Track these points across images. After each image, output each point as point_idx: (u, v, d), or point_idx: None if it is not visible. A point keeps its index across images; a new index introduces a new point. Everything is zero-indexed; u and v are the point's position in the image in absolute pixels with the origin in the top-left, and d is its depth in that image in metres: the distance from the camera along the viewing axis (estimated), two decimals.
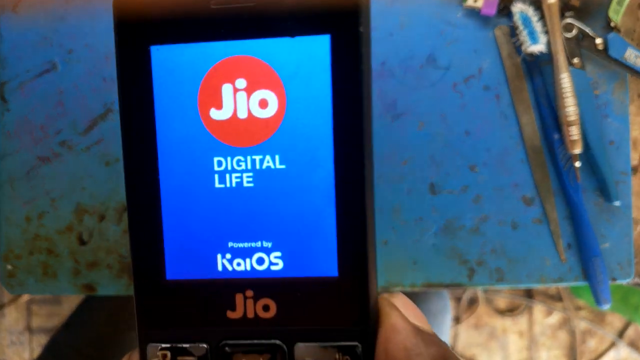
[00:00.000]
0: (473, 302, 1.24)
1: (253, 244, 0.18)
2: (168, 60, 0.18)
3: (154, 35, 0.18)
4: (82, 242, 0.44)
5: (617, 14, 0.43)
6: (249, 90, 0.17)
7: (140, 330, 0.18)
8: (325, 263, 0.17)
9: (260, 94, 0.17)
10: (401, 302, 0.17)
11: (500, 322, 1.25)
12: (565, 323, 1.25)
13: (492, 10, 0.42)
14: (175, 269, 0.18)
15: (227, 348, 0.18)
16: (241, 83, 0.17)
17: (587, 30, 0.42)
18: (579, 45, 0.43)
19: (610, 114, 0.44)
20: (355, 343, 0.17)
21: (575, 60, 0.42)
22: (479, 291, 1.23)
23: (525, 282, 0.44)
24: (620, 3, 0.42)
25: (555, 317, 1.25)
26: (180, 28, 0.18)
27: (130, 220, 0.18)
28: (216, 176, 0.18)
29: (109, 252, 0.44)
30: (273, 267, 0.18)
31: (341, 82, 0.17)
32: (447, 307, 0.74)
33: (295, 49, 0.17)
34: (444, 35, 0.44)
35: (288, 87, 0.17)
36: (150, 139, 0.18)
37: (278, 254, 0.18)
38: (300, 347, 0.17)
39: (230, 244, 0.18)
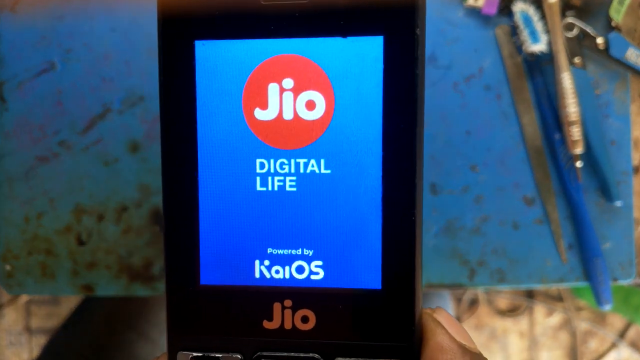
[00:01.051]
0: (474, 303, 1.24)
1: (293, 252, 0.17)
2: (213, 56, 0.17)
3: (199, 30, 0.17)
4: (81, 243, 0.44)
5: (618, 14, 0.43)
6: (296, 91, 0.17)
7: (171, 336, 0.18)
8: (368, 275, 0.16)
9: (308, 94, 0.17)
10: (444, 319, 0.17)
11: (501, 323, 1.25)
12: (566, 324, 1.25)
13: (492, 10, 0.42)
14: (210, 274, 0.17)
15: None
16: (288, 83, 0.17)
17: (588, 29, 0.42)
18: (580, 44, 0.43)
19: (611, 114, 0.44)
20: (403, 353, 0.16)
21: (577, 60, 0.42)
22: (480, 292, 1.23)
23: (526, 282, 0.44)
24: (621, 2, 0.42)
25: (556, 318, 1.25)
26: (227, 23, 0.17)
27: (166, 220, 0.17)
28: (258, 179, 0.17)
29: (107, 253, 0.43)
30: (313, 277, 0.17)
31: (393, 86, 0.16)
32: (447, 308, 0.74)
33: (347, 50, 0.16)
34: (445, 35, 0.43)
35: (337, 89, 0.16)
36: (191, 138, 0.17)
37: (319, 262, 0.17)
38: None
39: (269, 250, 0.17)
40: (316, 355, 0.16)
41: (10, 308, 1.24)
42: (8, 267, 0.44)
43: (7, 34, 0.43)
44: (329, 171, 0.17)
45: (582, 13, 0.44)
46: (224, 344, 0.17)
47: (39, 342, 1.24)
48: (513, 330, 1.25)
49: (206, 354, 0.17)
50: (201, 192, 0.17)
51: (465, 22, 0.43)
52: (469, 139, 0.44)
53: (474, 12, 0.43)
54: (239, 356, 0.17)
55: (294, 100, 0.17)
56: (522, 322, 1.25)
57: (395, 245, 0.16)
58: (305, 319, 0.17)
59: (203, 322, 0.17)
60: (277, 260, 0.17)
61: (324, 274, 0.17)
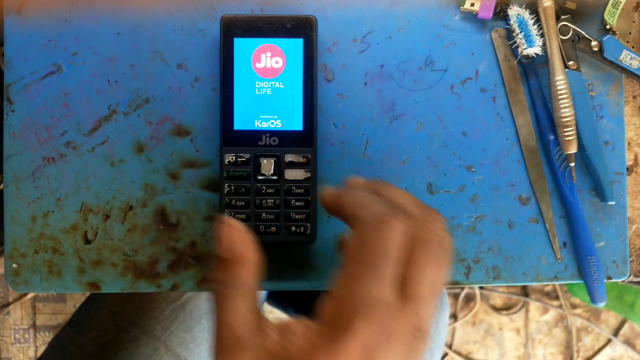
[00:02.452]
0: (470, 300, 1.25)
1: (269, 116, 0.42)
2: (241, 44, 0.42)
3: (235, 34, 0.42)
4: (87, 241, 0.44)
5: (612, 17, 0.43)
6: (271, 56, 0.42)
7: (221, 148, 0.42)
8: (297, 124, 0.42)
9: (275, 58, 0.42)
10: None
11: (497, 320, 1.26)
12: (561, 320, 1.26)
13: (488, 14, 0.43)
14: (238, 124, 0.42)
15: (257, 155, 0.42)
16: (268, 54, 0.42)
17: (583, 32, 0.43)
18: (574, 47, 0.43)
19: (605, 115, 0.45)
20: (309, 152, 0.42)
21: (571, 63, 0.43)
22: (476, 289, 1.24)
23: (521, 280, 0.45)
24: (615, 6, 0.43)
25: (551, 315, 1.26)
26: (246, 31, 0.42)
27: (223, 106, 0.42)
28: (256, 89, 0.42)
29: (113, 251, 0.44)
30: (278, 126, 0.42)
31: (306, 56, 0.42)
32: (444, 304, 0.75)
33: (290, 43, 0.42)
34: (442, 38, 0.44)
35: (286, 57, 0.42)
36: (230, 74, 0.42)
37: (279, 120, 0.42)
38: (287, 155, 0.42)
39: (260, 116, 0.42)
40: (278, 153, 0.42)
41: (17, 305, 1.25)
42: (15, 266, 0.44)
43: (13, 36, 0.44)
44: (283, 86, 0.42)
45: (577, 16, 0.44)
46: (242, 150, 0.42)
47: (44, 339, 1.25)
48: (509, 327, 1.26)
49: (236, 154, 0.42)
50: (236, 96, 0.42)
51: (462, 26, 0.44)
52: (465, 140, 0.44)
53: (471, 16, 0.44)
54: (248, 155, 0.42)
55: (270, 60, 0.42)
56: (518, 319, 1.26)
57: (306, 114, 0.42)
58: (274, 140, 0.42)
59: (235, 142, 0.42)
60: (264, 119, 0.42)
61: (282, 124, 0.42)
